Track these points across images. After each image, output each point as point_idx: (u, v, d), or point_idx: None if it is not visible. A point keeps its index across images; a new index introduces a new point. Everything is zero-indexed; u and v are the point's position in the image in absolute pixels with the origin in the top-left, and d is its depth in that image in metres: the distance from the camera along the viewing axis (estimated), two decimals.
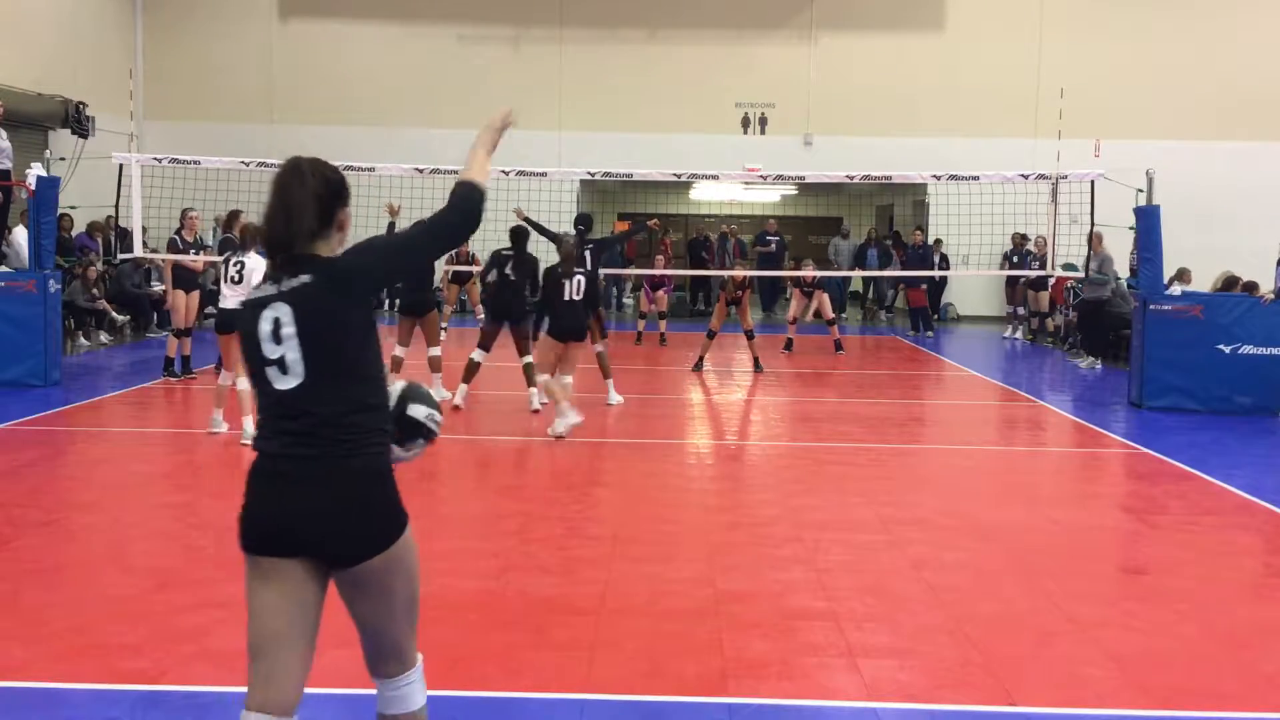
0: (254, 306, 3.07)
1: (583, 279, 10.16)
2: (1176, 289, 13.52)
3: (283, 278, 3.06)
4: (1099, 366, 15.65)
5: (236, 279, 9.39)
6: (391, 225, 12.21)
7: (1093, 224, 14.32)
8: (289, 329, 3.01)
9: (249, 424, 9.22)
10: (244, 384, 9.39)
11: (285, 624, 3.05)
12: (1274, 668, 5.03)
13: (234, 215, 14.20)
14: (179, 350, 13.09)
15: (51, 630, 5.10)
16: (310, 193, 3.11)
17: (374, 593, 3.13)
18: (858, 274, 23.51)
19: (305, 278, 3.04)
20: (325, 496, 3.02)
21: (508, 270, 11.25)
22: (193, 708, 4.37)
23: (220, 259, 9.88)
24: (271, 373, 3.04)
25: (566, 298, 10.06)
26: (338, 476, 3.04)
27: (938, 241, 21.29)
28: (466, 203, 3.27)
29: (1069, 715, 4.52)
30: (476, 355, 11.25)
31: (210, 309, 16.62)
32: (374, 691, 3.40)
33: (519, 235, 11.56)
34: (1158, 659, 5.09)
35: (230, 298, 9.41)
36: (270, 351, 3.03)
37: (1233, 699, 4.68)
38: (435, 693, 4.55)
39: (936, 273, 20.48)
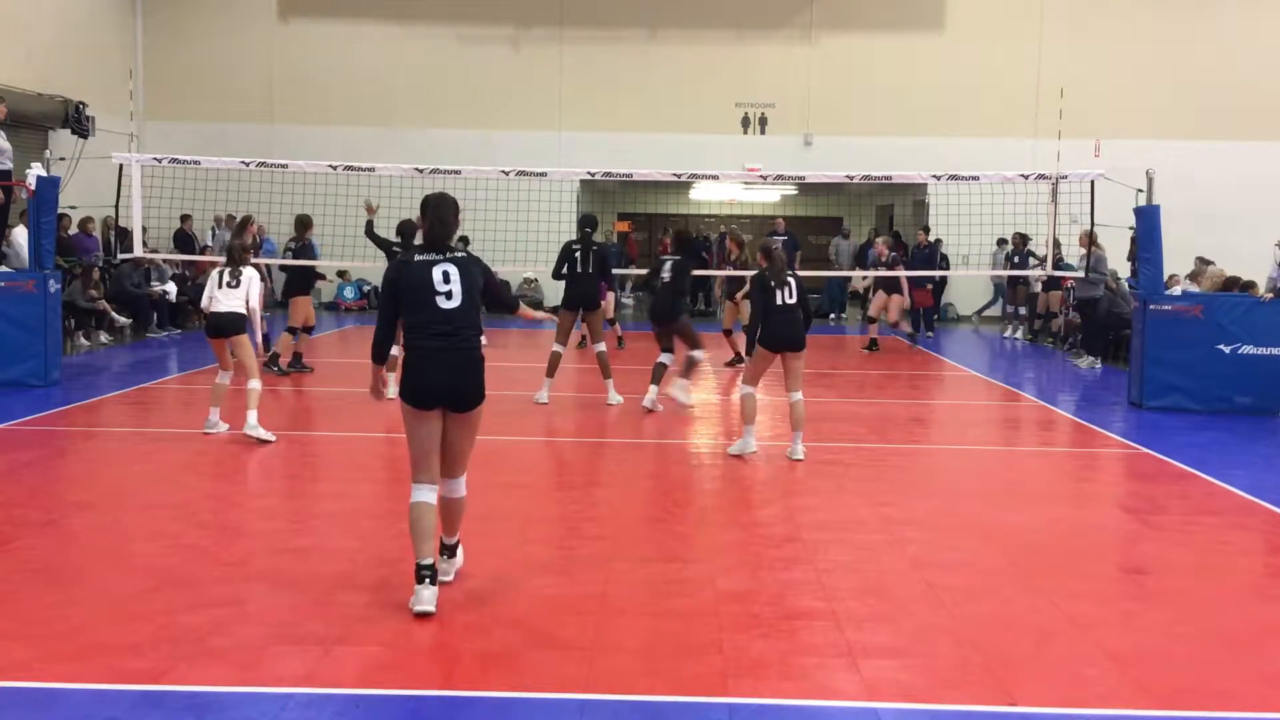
0: (427, 265, 5.45)
1: (793, 284, 9.09)
2: (1178, 289, 13.53)
3: (444, 253, 5.49)
4: (1099, 366, 15.64)
5: (234, 284, 9.50)
6: (370, 224, 12.34)
7: (1092, 224, 14.32)
8: (454, 277, 5.43)
9: (252, 417, 9.36)
10: (255, 384, 9.52)
11: (431, 443, 5.51)
12: (1274, 668, 5.03)
13: (245, 221, 14.49)
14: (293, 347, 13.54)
15: (51, 630, 5.10)
16: (455, 215, 5.66)
17: (467, 427, 5.58)
18: (860, 274, 23.49)
19: (459, 254, 5.54)
20: (462, 369, 5.45)
21: (577, 259, 11.65)
22: (193, 708, 4.37)
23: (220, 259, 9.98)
24: (440, 299, 5.40)
25: (780, 303, 9.05)
26: (467, 358, 5.47)
27: (938, 241, 21.28)
28: (509, 301, 6.11)
29: (1069, 715, 4.51)
30: (556, 348, 11.65)
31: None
32: (373, 691, 4.43)
33: (586, 222, 12.00)
34: (1158, 659, 5.09)
35: (223, 301, 9.48)
36: (441, 287, 5.40)
37: (1233, 699, 4.68)
38: (435, 693, 4.56)
39: (938, 273, 20.47)
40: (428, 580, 5.37)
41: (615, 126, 22.94)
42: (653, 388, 11.36)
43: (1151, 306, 12.19)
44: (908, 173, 17.60)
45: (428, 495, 5.50)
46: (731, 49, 23.46)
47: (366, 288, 23.51)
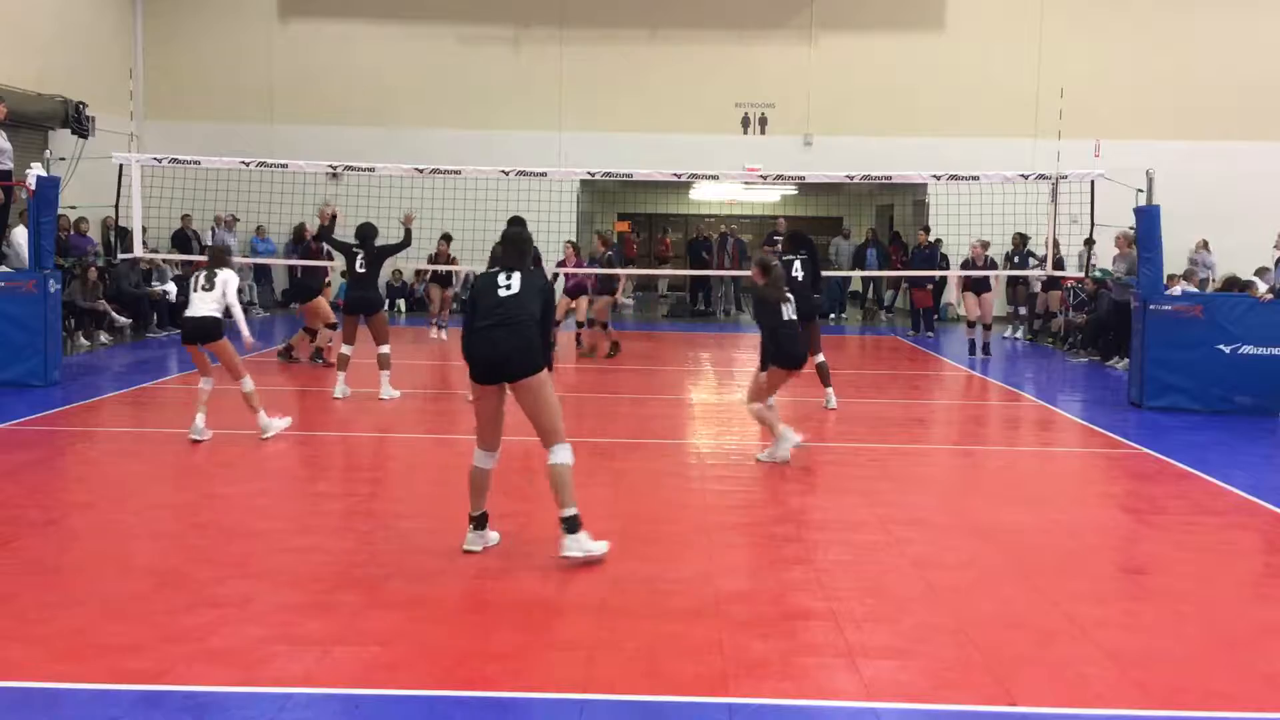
0: (494, 274, 6.41)
1: (794, 300, 9.13)
2: (1177, 290, 13.52)
3: (511, 268, 6.41)
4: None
5: (209, 287, 9.32)
6: (329, 229, 12.99)
7: (1092, 224, 14.31)
8: (515, 279, 6.34)
9: (262, 418, 9.45)
10: (247, 383, 9.44)
11: (488, 415, 6.35)
12: (1274, 668, 5.03)
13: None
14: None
15: (51, 630, 5.10)
16: (528, 246, 6.75)
17: (529, 396, 6.24)
18: (858, 274, 23.50)
19: (527, 268, 6.46)
20: (507, 342, 6.20)
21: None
22: (193, 708, 4.37)
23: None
24: (500, 290, 6.30)
25: (785, 318, 9.01)
26: (514, 333, 6.22)
27: (938, 241, 21.26)
28: (546, 353, 6.49)
29: (1069, 715, 4.52)
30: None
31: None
32: (373, 691, 4.48)
33: (364, 231, 12.13)
34: (1158, 659, 5.09)
35: (198, 306, 9.29)
36: (503, 284, 6.32)
37: (1233, 699, 4.68)
38: (435, 693, 4.57)
39: (938, 273, 20.46)
40: (472, 526, 6.41)
41: (615, 126, 22.92)
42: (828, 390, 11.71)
43: (1151, 306, 12.18)
44: (908, 173, 17.59)
45: (482, 460, 6.40)
46: (731, 49, 23.45)
47: None
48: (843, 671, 4.85)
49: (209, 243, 21.40)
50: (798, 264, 11.34)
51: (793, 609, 5.62)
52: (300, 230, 15.30)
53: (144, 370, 13.97)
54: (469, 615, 5.43)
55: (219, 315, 9.32)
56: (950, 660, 5.00)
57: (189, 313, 9.38)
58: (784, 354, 8.99)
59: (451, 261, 18.47)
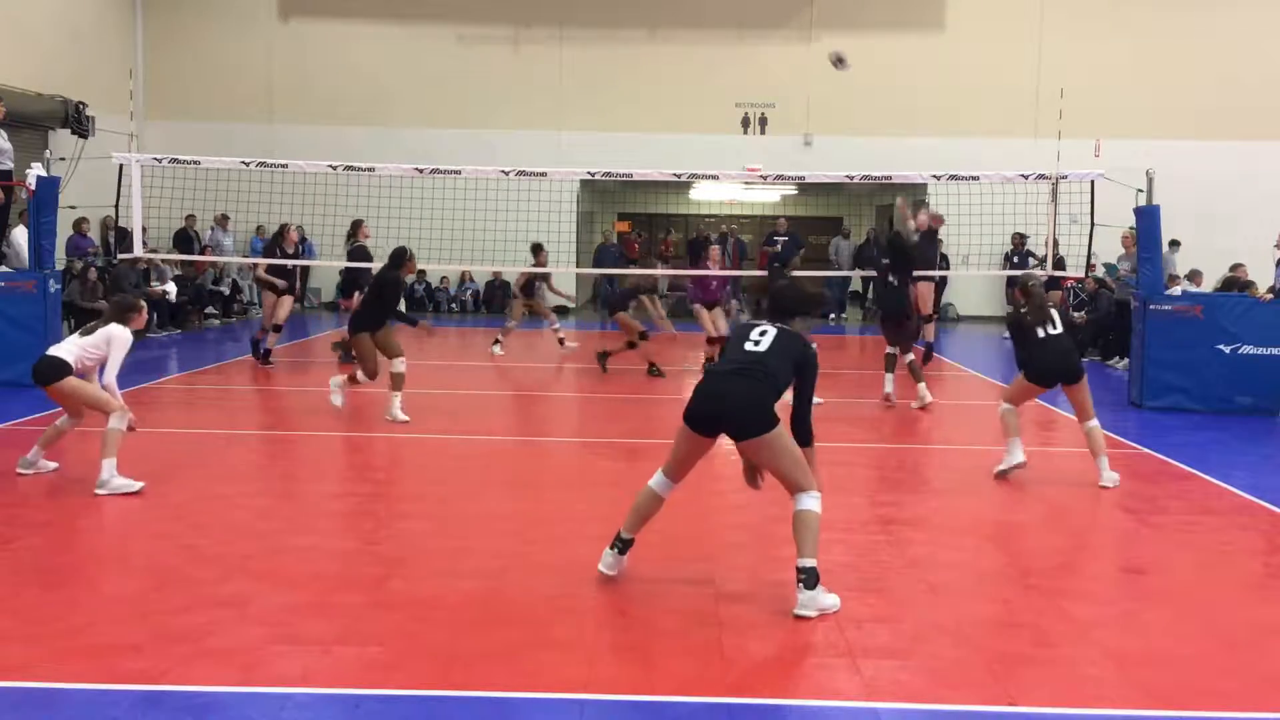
0: (750, 326, 5.94)
1: (1056, 316, 8.79)
2: (1177, 290, 13.53)
3: (775, 321, 5.89)
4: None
5: (87, 333, 7.92)
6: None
7: (1092, 224, 14.31)
8: (768, 338, 5.78)
9: (107, 468, 7.76)
10: (116, 422, 7.89)
11: (684, 455, 5.93)
12: (1274, 668, 5.04)
13: (357, 224, 15.01)
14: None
15: (51, 630, 5.10)
16: (797, 306, 6.02)
17: (760, 455, 5.73)
18: (859, 274, 23.48)
19: (785, 327, 5.86)
20: (733, 396, 5.68)
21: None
22: (192, 708, 4.37)
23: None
24: (748, 344, 5.79)
25: (1042, 336, 8.67)
26: (744, 387, 5.67)
27: (939, 241, 21.21)
28: (807, 427, 5.80)
29: (1069, 715, 4.52)
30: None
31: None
32: (373, 691, 4.36)
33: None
34: (1158, 659, 5.09)
35: (60, 347, 8.07)
36: (754, 339, 5.79)
37: (1233, 699, 4.68)
38: (435, 693, 4.57)
39: (938, 272, 20.40)
40: (616, 549, 5.94)
41: (615, 126, 22.92)
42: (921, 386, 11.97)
43: (1151, 306, 12.18)
44: (908, 173, 17.57)
45: (658, 484, 5.96)
46: (731, 49, 23.45)
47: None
48: (843, 671, 4.85)
49: (207, 242, 21.42)
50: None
51: (793, 609, 5.61)
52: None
53: (144, 370, 13.95)
54: (469, 615, 5.43)
55: (70, 361, 7.80)
56: (950, 660, 5.00)
57: (54, 351, 8.05)
58: (1036, 368, 8.74)
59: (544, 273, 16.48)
